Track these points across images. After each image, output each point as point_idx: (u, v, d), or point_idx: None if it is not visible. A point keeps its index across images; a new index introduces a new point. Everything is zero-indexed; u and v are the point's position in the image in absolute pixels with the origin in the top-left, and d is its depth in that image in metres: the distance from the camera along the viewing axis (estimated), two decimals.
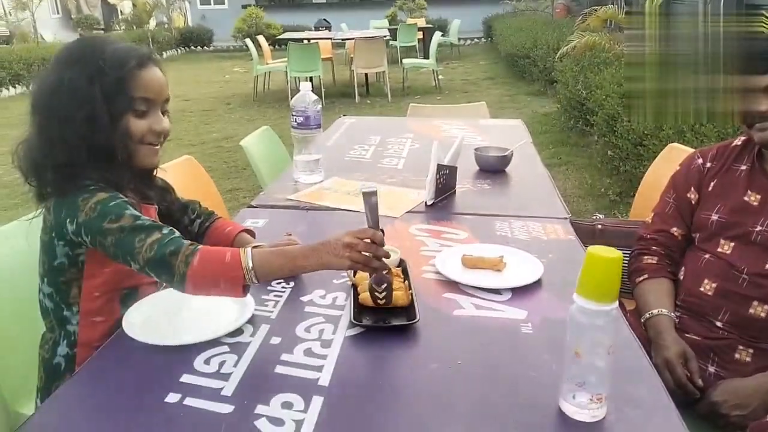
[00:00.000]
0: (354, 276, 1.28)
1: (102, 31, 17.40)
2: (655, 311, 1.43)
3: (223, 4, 19.42)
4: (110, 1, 19.52)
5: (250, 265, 1.06)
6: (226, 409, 0.92)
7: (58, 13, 19.92)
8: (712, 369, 1.39)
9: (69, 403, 0.96)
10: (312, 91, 2.02)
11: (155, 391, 0.96)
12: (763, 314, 1.34)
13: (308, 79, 8.62)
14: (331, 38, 10.06)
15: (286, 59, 8.30)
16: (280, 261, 1.10)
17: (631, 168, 3.99)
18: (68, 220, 1.12)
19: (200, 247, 1.08)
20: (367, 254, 1.08)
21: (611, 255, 0.82)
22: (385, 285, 1.15)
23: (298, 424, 0.89)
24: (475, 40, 16.26)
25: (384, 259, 1.32)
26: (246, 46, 9.59)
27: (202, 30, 18.22)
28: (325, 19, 13.67)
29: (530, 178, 2.09)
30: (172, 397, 0.95)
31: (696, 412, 1.28)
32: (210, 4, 19.62)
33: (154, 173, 1.36)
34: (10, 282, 1.42)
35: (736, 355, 1.37)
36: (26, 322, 1.33)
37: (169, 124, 1.25)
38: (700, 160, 1.56)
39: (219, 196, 2.34)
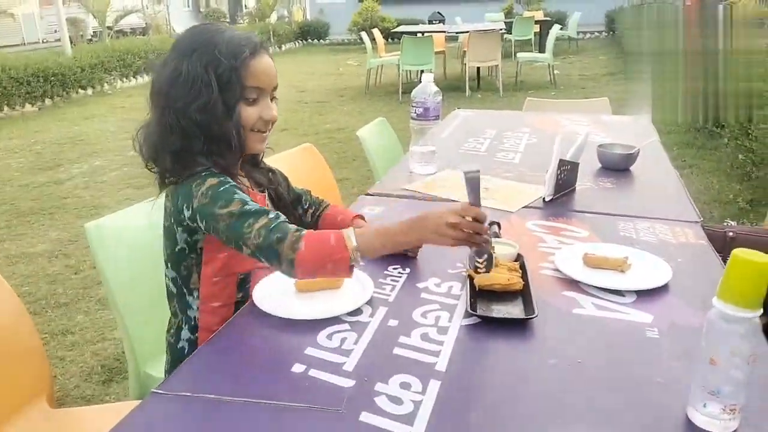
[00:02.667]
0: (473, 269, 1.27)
1: (227, 24, 18.42)
2: None
3: None
4: None
5: (354, 244, 1.08)
6: (348, 383, 0.96)
7: (188, 6, 21.32)
8: None
9: (203, 365, 1.04)
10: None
11: (283, 360, 1.02)
12: None
13: (426, 71, 8.69)
14: (444, 31, 10.03)
15: (399, 52, 8.38)
16: (381, 239, 1.12)
17: (765, 174, 3.68)
18: (185, 206, 1.17)
19: (305, 232, 1.10)
20: (470, 232, 1.09)
21: (760, 259, 0.77)
22: (486, 256, 1.17)
23: (416, 404, 0.90)
24: (597, 33, 15.57)
25: (501, 252, 1.32)
26: (360, 39, 9.79)
27: (320, 24, 18.80)
28: (439, 12, 13.61)
29: (657, 179, 1.98)
30: (298, 368, 1.00)
31: None
32: None
33: (261, 159, 1.39)
34: (144, 257, 1.52)
35: None
36: (159, 296, 1.38)
37: (277, 111, 1.27)
38: None
39: (335, 184, 2.42)
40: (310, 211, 1.52)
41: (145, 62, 10.76)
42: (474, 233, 1.10)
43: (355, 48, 15.03)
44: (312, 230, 1.12)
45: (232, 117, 1.18)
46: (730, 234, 1.82)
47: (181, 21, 18.96)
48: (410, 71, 8.96)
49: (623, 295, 1.22)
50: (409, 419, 0.87)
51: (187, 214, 1.17)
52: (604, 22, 15.69)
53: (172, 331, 1.32)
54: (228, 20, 19.57)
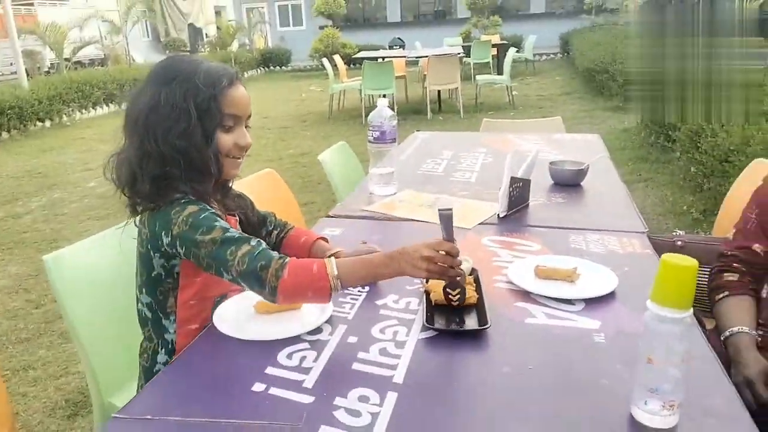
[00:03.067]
0: (427, 283, 1.32)
1: (188, 53, 18.38)
2: (735, 329, 1.39)
3: (302, 25, 20.13)
4: (197, 25, 20.61)
5: (336, 273, 1.13)
6: (307, 399, 0.98)
7: (148, 36, 21.22)
8: None
9: (165, 389, 1.05)
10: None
11: (243, 380, 1.04)
12: None
13: (382, 96, 8.84)
14: (405, 56, 10.21)
15: (360, 77, 8.50)
16: (362, 269, 1.17)
17: (716, 185, 3.83)
18: (163, 233, 1.19)
19: (288, 260, 1.14)
20: (443, 265, 1.14)
21: (686, 263, 0.83)
22: (459, 289, 1.23)
23: (374, 416, 0.93)
24: (551, 55, 16.03)
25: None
26: (322, 65, 9.89)
27: (281, 51, 18.93)
28: (399, 38, 13.91)
29: (607, 193, 2.06)
30: (258, 387, 1.02)
31: None
32: (289, 25, 20.39)
33: (231, 184, 1.43)
34: (105, 286, 1.53)
35: None
36: (123, 325, 1.41)
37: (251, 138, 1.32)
38: None
39: (298, 208, 2.44)
40: (275, 232, 1.56)
41: (105, 93, 10.67)
42: (447, 267, 1.15)
43: (317, 74, 15.15)
44: (295, 258, 1.16)
45: (211, 143, 1.22)
46: (679, 243, 1.90)
47: (140, 51, 18.86)
48: (372, 95, 9.09)
49: (573, 304, 1.28)
50: (366, 430, 0.90)
51: (165, 240, 1.19)
52: (559, 44, 16.17)
53: (146, 355, 1.33)
54: (188, 49, 19.55)
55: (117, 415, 0.96)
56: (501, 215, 1.82)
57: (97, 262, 1.55)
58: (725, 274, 1.53)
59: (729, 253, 1.55)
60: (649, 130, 5.81)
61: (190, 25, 20.42)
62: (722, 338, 1.41)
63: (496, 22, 15.32)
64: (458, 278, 1.19)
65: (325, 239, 1.55)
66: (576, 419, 0.92)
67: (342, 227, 1.80)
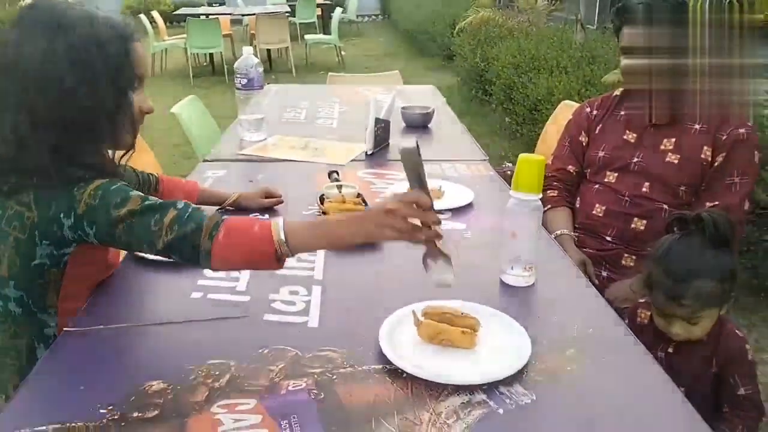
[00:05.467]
0: (321, 204, 1.51)
1: None
2: (558, 232, 1.77)
3: None
4: None
5: (283, 237, 0.97)
6: (245, 298, 1.15)
7: None
8: (605, 274, 1.74)
9: (108, 307, 1.13)
10: (214, 66, 2.18)
11: (181, 289, 1.17)
12: (641, 227, 1.70)
13: (208, 55, 8.59)
14: (230, 14, 9.93)
15: (183, 36, 8.16)
16: (316, 231, 1.03)
17: (528, 131, 4.44)
18: (62, 215, 1.01)
19: (225, 218, 1.01)
20: (412, 225, 0.97)
21: (536, 158, 1.13)
22: (442, 259, 1.03)
23: (307, 303, 1.13)
24: (373, 17, 16.52)
25: (345, 191, 1.55)
26: (139, 23, 9.28)
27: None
28: None
29: (450, 131, 2.40)
30: (196, 294, 1.16)
31: None
32: None
33: None
34: None
35: (623, 262, 1.72)
36: None
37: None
38: (588, 109, 1.91)
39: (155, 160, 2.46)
40: (144, 189, 1.38)
41: None
42: (420, 228, 0.98)
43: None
44: (233, 217, 1.03)
45: (122, 107, 1.07)
46: (509, 172, 2.30)
47: None
48: (198, 54, 8.77)
49: (442, 213, 1.56)
50: (304, 312, 1.10)
51: (67, 222, 1.02)
52: (379, 7, 16.69)
53: (14, 353, 1.12)
54: None
55: (68, 329, 1.04)
56: (369, 152, 2.06)
57: None
58: (547, 191, 1.90)
59: (549, 174, 1.93)
60: (468, 86, 6.44)
61: None
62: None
63: None
64: (434, 241, 1.01)
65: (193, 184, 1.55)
66: (461, 292, 1.16)
67: (224, 170, 1.91)
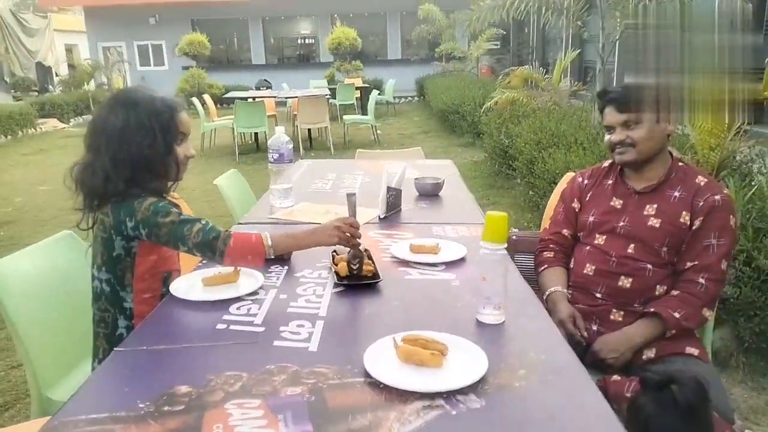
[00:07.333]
0: (334, 262, 1.77)
1: (36, 93, 17.42)
2: (552, 289, 1.95)
3: (163, 65, 19.84)
4: (45, 63, 19.59)
5: (270, 243, 1.56)
6: (260, 329, 1.39)
7: None
8: (594, 328, 1.90)
9: (152, 329, 1.40)
10: (258, 144, 2.52)
11: (208, 323, 1.42)
12: (628, 285, 1.86)
13: (253, 134, 9.22)
14: (275, 96, 10.66)
15: (231, 117, 8.80)
16: (289, 240, 1.63)
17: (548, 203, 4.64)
18: (127, 219, 1.54)
19: (233, 232, 1.57)
20: (348, 234, 1.61)
21: (500, 216, 1.37)
22: (359, 259, 1.67)
23: (310, 333, 1.37)
24: (409, 98, 17.27)
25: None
26: (191, 104, 10.06)
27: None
28: (265, 80, 14.31)
29: (458, 199, 2.66)
30: (221, 326, 1.41)
31: (584, 361, 1.74)
32: (150, 65, 20.00)
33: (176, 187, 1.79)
34: (38, 293, 1.72)
35: (611, 317, 1.88)
36: (55, 327, 1.72)
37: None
38: (580, 179, 2.13)
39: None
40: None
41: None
42: (351, 237, 1.62)
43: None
44: (238, 231, 1.59)
45: (171, 153, 1.62)
46: (514, 237, 2.51)
47: None
48: (244, 133, 9.40)
49: (436, 266, 1.80)
50: (306, 340, 1.34)
51: (130, 224, 1.54)
52: (415, 88, 17.47)
53: (103, 324, 1.64)
54: (37, 89, 18.50)
55: (118, 349, 1.30)
56: (381, 216, 2.32)
57: (35, 268, 1.77)
58: (544, 253, 2.11)
59: (546, 238, 2.14)
60: (494, 162, 6.74)
61: (38, 63, 19.37)
62: (544, 297, 1.95)
63: (358, 67, 16.28)
64: (359, 248, 1.65)
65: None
66: (442, 327, 1.38)
67: (254, 230, 2.19)
